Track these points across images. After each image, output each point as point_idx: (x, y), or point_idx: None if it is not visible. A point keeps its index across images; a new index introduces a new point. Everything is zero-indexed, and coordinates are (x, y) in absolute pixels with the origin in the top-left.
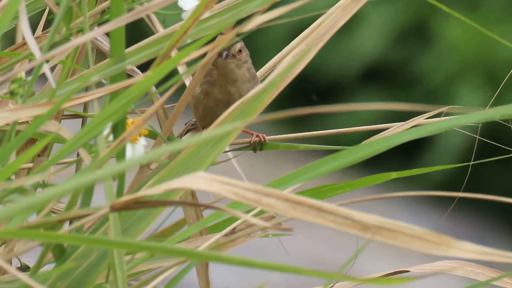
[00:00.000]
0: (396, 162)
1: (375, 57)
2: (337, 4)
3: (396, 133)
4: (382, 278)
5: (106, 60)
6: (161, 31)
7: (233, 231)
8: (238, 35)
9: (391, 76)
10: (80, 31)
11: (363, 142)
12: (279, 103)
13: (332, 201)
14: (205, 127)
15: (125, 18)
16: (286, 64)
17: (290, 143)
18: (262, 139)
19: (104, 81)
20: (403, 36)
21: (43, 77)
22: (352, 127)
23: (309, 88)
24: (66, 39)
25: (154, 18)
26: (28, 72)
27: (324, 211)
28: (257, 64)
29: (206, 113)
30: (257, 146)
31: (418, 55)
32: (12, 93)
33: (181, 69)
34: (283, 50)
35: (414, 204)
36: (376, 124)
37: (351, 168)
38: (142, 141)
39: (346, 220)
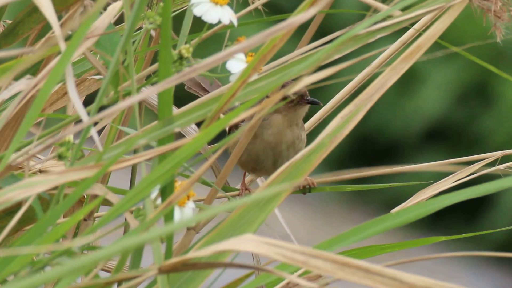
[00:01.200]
0: (457, 219)
1: (437, 117)
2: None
3: (453, 192)
4: None
5: (154, 123)
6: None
7: None
8: (285, 98)
9: (453, 136)
10: (127, 94)
11: (417, 201)
12: (340, 162)
13: (380, 261)
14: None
15: (173, 80)
16: (335, 125)
17: (337, 185)
18: (311, 184)
19: (152, 144)
20: (465, 96)
21: (90, 140)
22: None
23: (370, 148)
24: (114, 102)
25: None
26: (76, 135)
27: (372, 272)
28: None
29: (248, 159)
30: (306, 190)
31: (480, 115)
32: (60, 157)
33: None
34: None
35: (477, 264)
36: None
37: (413, 227)
38: (191, 204)
39: (393, 281)
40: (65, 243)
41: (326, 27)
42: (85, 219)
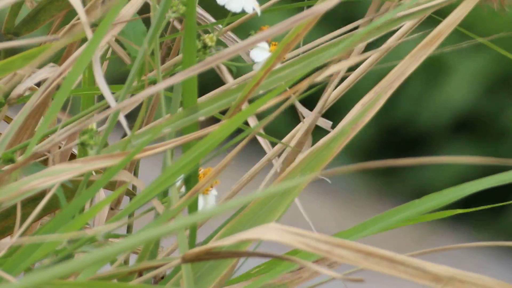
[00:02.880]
0: (485, 211)
1: (465, 108)
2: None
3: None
4: None
5: (179, 112)
6: (230, 81)
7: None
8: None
9: (482, 128)
10: (152, 82)
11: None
12: (367, 154)
13: (405, 251)
14: None
15: (197, 68)
16: (355, 112)
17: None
18: None
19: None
20: (493, 87)
21: (113, 129)
22: (441, 179)
23: (398, 139)
24: (139, 90)
25: (223, 68)
26: (100, 124)
27: (396, 262)
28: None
29: None
30: None
31: (508, 106)
32: (82, 144)
33: (251, 121)
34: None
35: (506, 255)
36: (466, 177)
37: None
38: (214, 192)
39: (418, 271)
40: (89, 231)
41: (347, 14)
42: (111, 208)
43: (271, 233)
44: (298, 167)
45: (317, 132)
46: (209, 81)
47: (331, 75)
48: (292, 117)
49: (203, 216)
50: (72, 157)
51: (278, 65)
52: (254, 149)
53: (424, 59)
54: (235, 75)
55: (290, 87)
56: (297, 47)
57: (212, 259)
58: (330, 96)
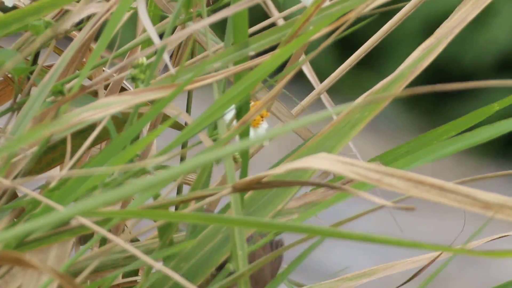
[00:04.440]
0: None
1: (509, 48)
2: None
3: None
4: (501, 251)
5: (228, 47)
6: (276, 15)
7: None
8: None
9: None
10: (199, 15)
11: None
12: (412, 96)
13: (454, 179)
14: None
15: (245, 3)
16: (415, 57)
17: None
18: None
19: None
20: None
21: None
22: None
23: (442, 80)
24: (186, 22)
25: (270, 3)
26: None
27: (446, 190)
28: (390, 57)
29: None
30: None
31: None
32: (133, 79)
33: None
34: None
35: None
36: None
37: (484, 155)
38: (265, 125)
39: (467, 199)
40: (139, 163)
41: None
42: None
43: (322, 162)
44: (357, 108)
45: (367, 76)
46: (252, 17)
47: (379, 7)
48: (335, 59)
49: (253, 141)
50: (122, 90)
51: (327, 2)
52: (300, 90)
53: (486, 5)
54: (280, 9)
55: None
56: None
57: (262, 188)
58: (378, 33)
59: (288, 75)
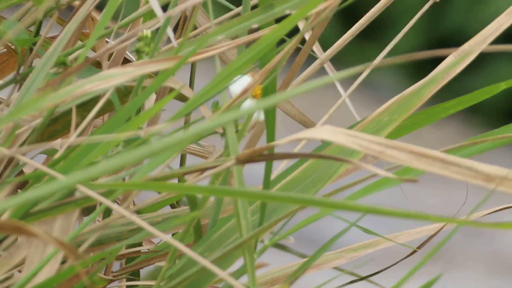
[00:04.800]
0: None
1: None
2: None
3: None
4: (505, 223)
5: (231, 18)
6: None
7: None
8: None
9: None
10: None
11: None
12: (416, 65)
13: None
14: None
15: None
16: (449, 62)
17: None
18: None
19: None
20: None
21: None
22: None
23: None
24: None
25: None
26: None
27: (448, 163)
28: (392, 29)
29: None
30: None
31: None
32: (138, 51)
33: (301, 25)
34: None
35: None
36: None
37: (486, 123)
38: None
39: (469, 171)
40: (143, 133)
41: None
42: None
43: (325, 133)
44: (387, 111)
45: (370, 48)
46: None
47: None
48: (339, 31)
49: (254, 108)
50: (125, 61)
51: None
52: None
53: None
54: None
55: None
56: None
57: (266, 160)
58: (379, 3)
59: (290, 44)
